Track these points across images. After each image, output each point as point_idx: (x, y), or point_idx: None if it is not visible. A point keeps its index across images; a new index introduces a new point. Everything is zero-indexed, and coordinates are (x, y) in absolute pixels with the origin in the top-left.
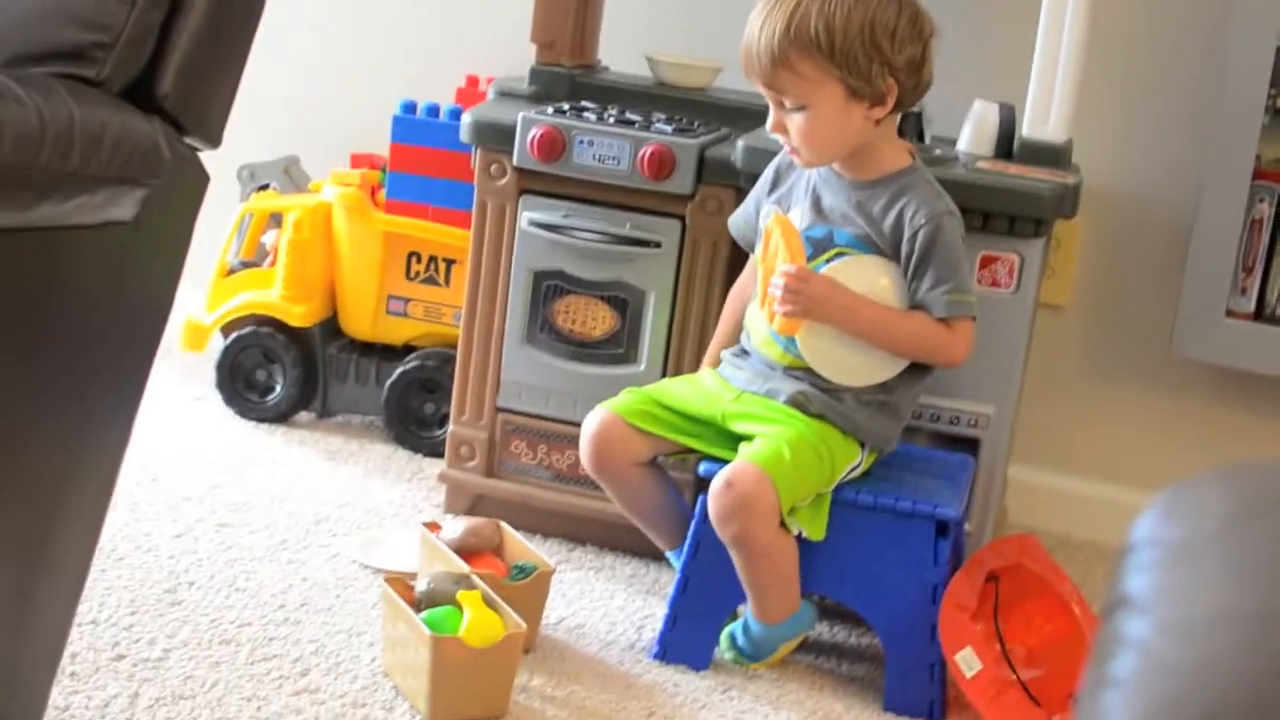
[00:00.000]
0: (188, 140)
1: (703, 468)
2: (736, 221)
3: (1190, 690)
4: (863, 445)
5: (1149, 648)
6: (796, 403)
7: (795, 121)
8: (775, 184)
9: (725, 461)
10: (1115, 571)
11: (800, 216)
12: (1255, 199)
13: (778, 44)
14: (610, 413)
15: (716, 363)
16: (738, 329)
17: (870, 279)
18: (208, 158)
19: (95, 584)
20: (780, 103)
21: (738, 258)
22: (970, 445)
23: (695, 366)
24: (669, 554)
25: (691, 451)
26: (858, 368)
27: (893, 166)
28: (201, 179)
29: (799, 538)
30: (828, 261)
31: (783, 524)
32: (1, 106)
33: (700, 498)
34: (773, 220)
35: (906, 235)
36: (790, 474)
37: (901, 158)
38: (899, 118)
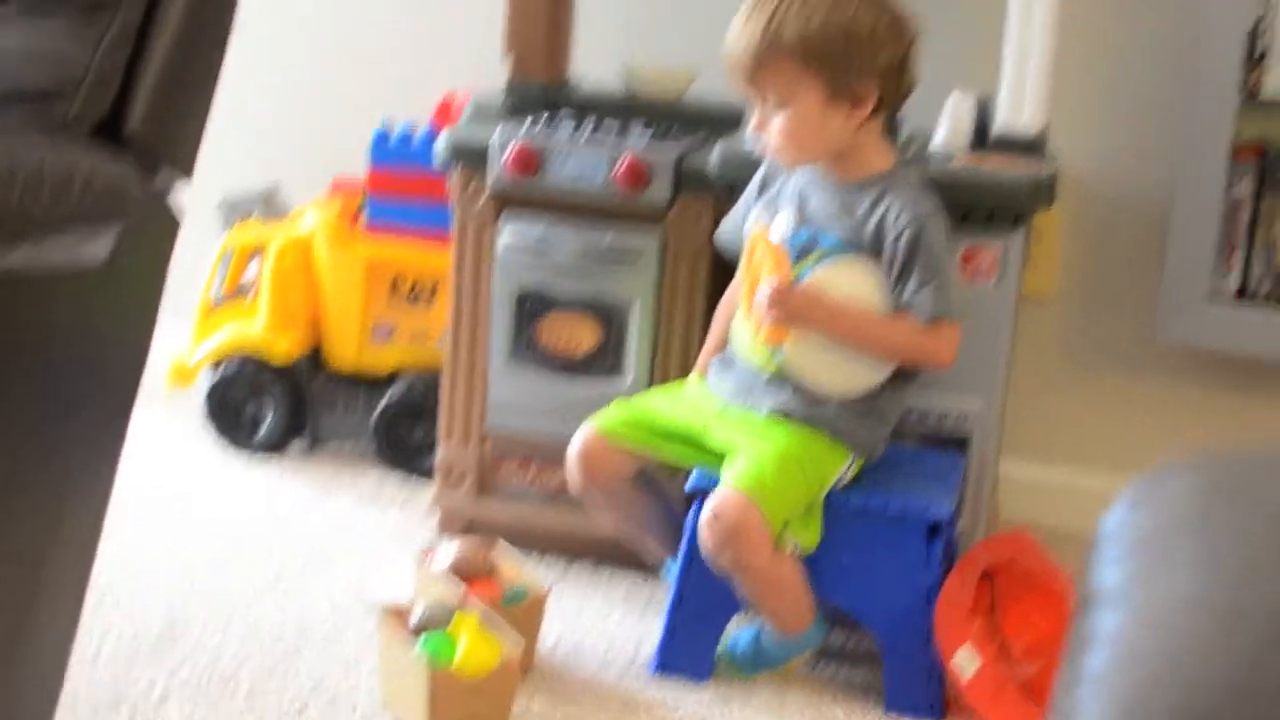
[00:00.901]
0: (160, 175)
1: (690, 483)
2: (725, 231)
3: (1163, 681)
4: (849, 451)
5: (1121, 640)
6: (779, 413)
7: (776, 121)
8: (764, 188)
9: (713, 471)
10: (1085, 565)
11: (787, 220)
12: (1234, 178)
13: (758, 44)
14: (593, 432)
15: (706, 372)
16: (727, 338)
17: (855, 283)
18: (187, 191)
19: (92, 625)
20: (762, 100)
21: (719, 266)
22: (959, 443)
23: (682, 376)
24: (667, 562)
25: (670, 464)
26: (845, 375)
27: (877, 168)
28: (174, 217)
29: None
30: (814, 264)
31: (778, 544)
32: None
33: (692, 508)
34: (755, 233)
35: (890, 237)
36: (775, 494)
37: (886, 160)
38: (883, 120)
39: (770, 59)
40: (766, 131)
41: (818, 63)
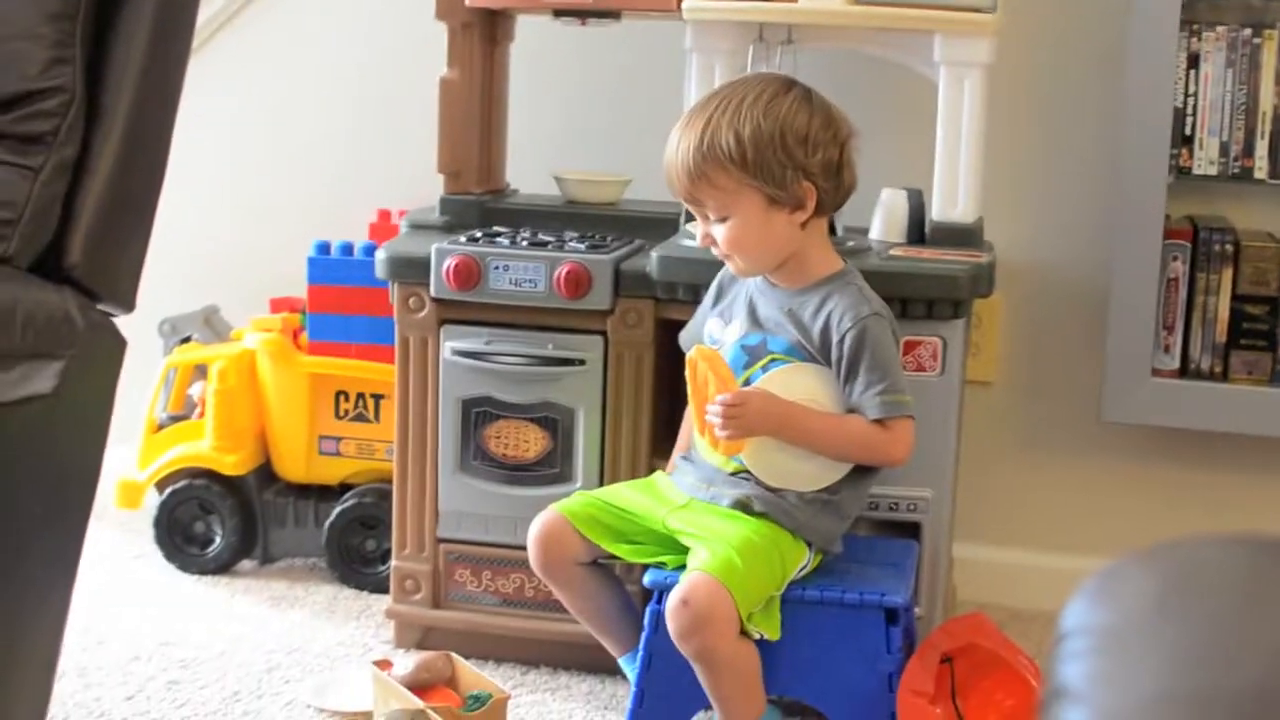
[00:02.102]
0: (101, 307)
1: (648, 578)
2: (687, 337)
3: None
4: (809, 545)
5: None
6: (741, 505)
7: (720, 232)
8: (719, 298)
9: (670, 569)
10: (1049, 662)
11: (738, 327)
12: (1169, 257)
13: (693, 159)
14: (556, 513)
15: (673, 470)
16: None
17: (804, 386)
18: (127, 313)
19: None
20: (705, 215)
21: (664, 368)
22: (912, 529)
23: (631, 477)
24: (621, 660)
25: (621, 559)
26: (801, 474)
27: (822, 272)
28: (118, 343)
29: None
30: (763, 369)
31: (743, 631)
32: None
33: (650, 609)
34: (694, 353)
35: (835, 340)
36: (744, 580)
37: (832, 263)
38: (826, 223)
39: (706, 171)
40: (714, 244)
41: (754, 170)
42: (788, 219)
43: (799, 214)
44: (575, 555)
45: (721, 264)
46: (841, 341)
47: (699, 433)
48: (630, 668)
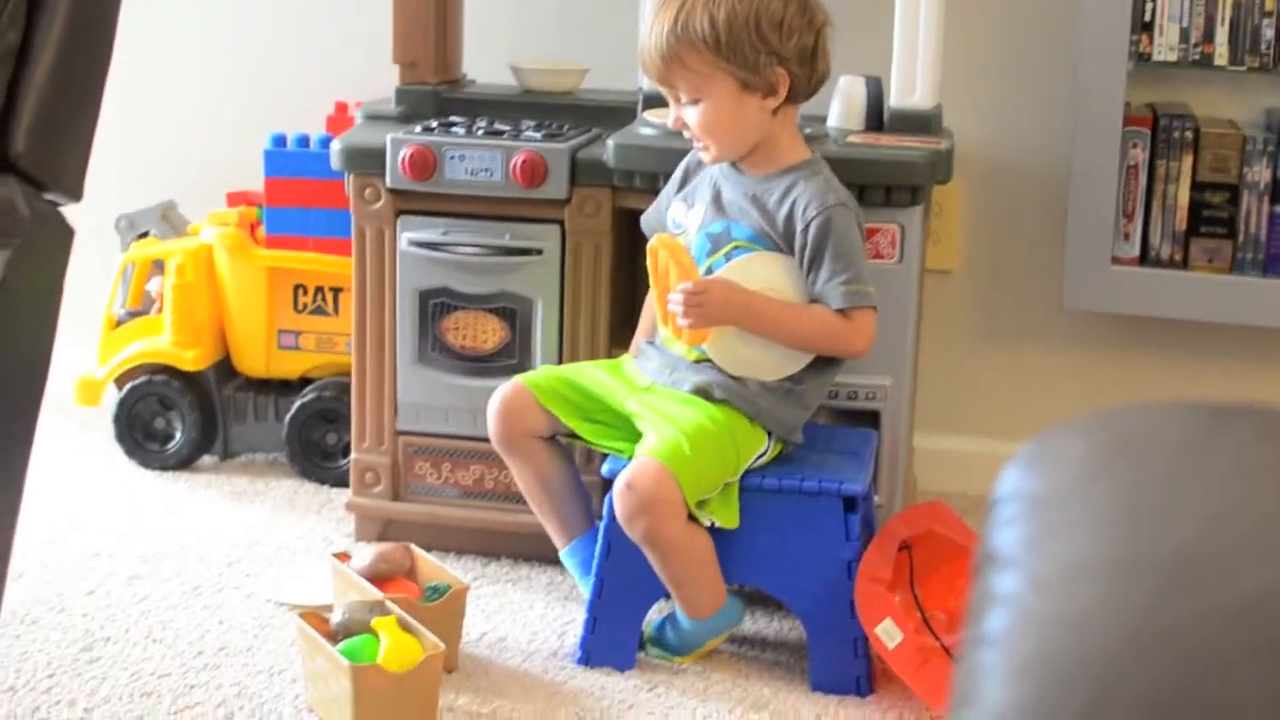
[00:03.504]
0: (48, 196)
1: (606, 467)
2: (649, 220)
3: (1062, 642)
4: (769, 433)
5: (1019, 602)
6: (701, 391)
7: (692, 116)
8: (684, 182)
9: (625, 458)
10: (983, 528)
11: (701, 212)
12: (1128, 145)
13: (666, 41)
14: (519, 384)
15: (637, 354)
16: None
17: (767, 275)
18: (85, 211)
19: (10, 649)
20: (677, 99)
21: (621, 255)
22: (871, 418)
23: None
24: (563, 553)
25: (580, 438)
26: (763, 363)
27: (790, 160)
28: (66, 233)
29: (713, 529)
30: (726, 257)
31: (693, 517)
32: None
33: (607, 499)
34: (655, 241)
35: (799, 228)
36: (691, 465)
37: (800, 151)
38: (797, 111)
39: (680, 54)
40: (685, 128)
41: (727, 53)
42: (760, 104)
43: (771, 100)
44: (534, 428)
45: (685, 151)
46: (806, 229)
47: (661, 322)
48: (572, 561)
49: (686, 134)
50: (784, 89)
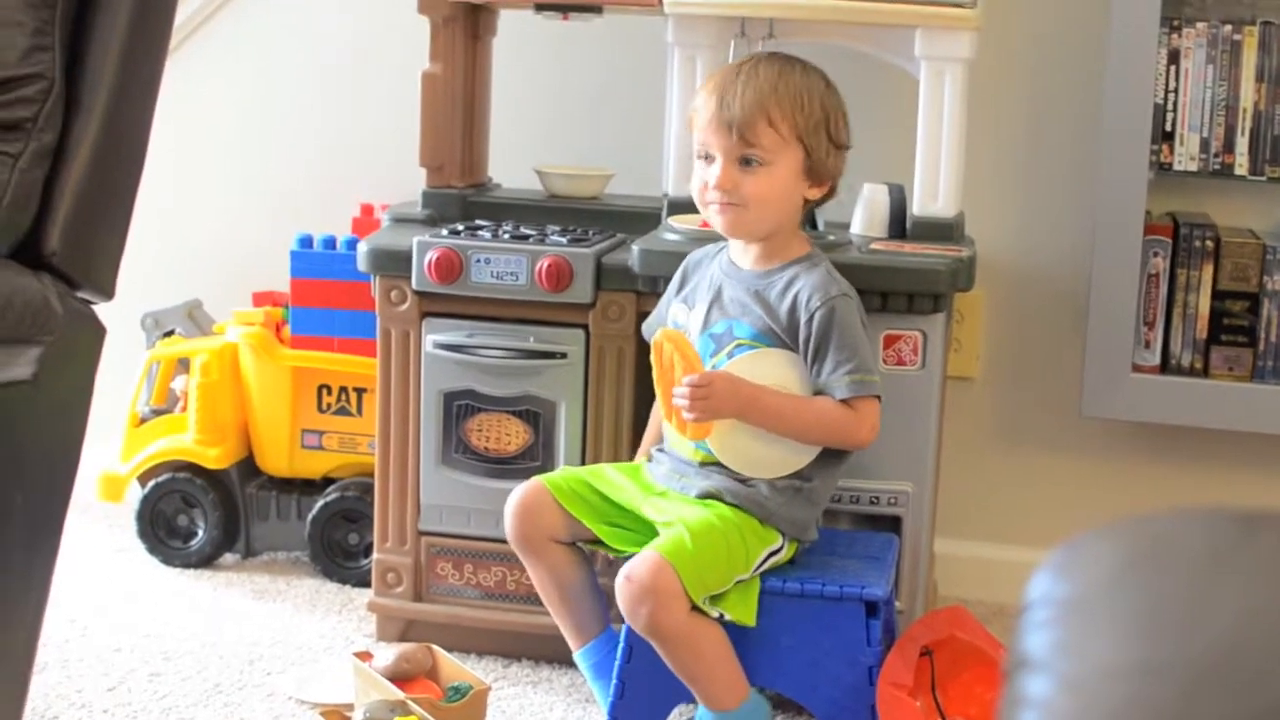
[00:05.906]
0: (80, 294)
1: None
2: (650, 325)
3: None
4: (781, 533)
5: (1050, 705)
6: (711, 497)
7: (748, 180)
8: (682, 284)
9: None
10: (1014, 632)
11: (703, 313)
12: (1149, 253)
13: (763, 94)
14: (538, 483)
15: (649, 458)
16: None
17: (772, 371)
18: (111, 308)
19: None
20: (740, 159)
21: (644, 361)
22: (893, 523)
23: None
24: (578, 654)
25: (602, 544)
26: (769, 459)
27: (790, 255)
28: (98, 331)
29: (732, 626)
30: (728, 356)
31: (700, 610)
32: None
33: None
34: (660, 336)
35: (802, 320)
36: (693, 558)
37: (801, 247)
38: (807, 211)
39: (772, 113)
40: (727, 190)
41: (811, 132)
42: (805, 192)
43: (815, 191)
44: (552, 529)
45: (687, 253)
46: (810, 320)
47: (666, 417)
48: (586, 663)
49: (714, 195)
50: (828, 186)
